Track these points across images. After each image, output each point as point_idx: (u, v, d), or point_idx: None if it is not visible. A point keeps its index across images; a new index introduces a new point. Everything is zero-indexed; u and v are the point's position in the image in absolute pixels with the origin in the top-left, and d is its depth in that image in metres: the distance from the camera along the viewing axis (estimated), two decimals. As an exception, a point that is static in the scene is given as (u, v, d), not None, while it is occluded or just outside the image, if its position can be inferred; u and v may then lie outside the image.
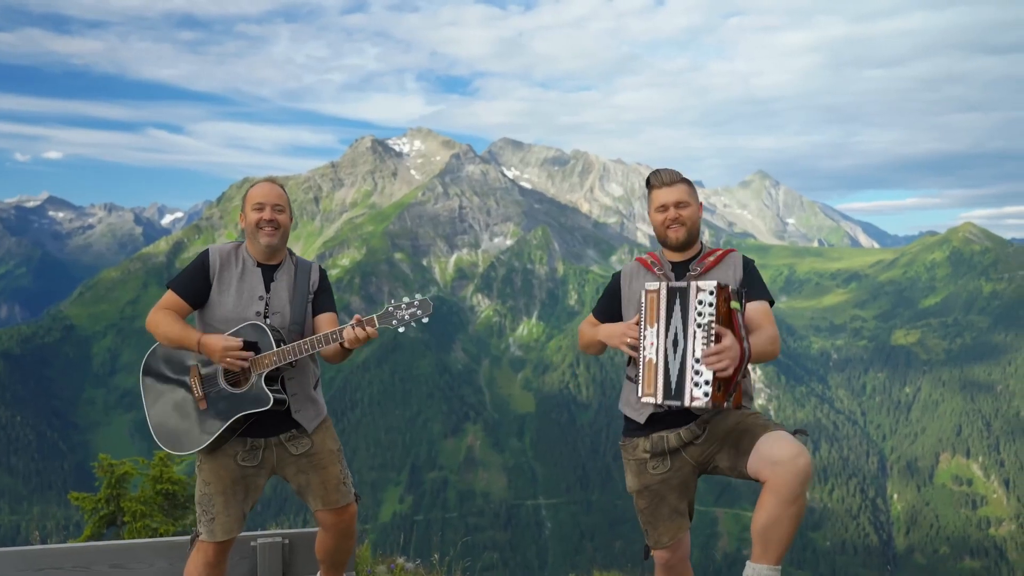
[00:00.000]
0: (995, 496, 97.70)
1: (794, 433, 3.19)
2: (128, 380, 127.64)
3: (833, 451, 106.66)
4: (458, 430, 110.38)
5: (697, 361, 3.08)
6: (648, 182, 3.58)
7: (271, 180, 3.69)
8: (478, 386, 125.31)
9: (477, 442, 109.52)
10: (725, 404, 3.14)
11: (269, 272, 3.62)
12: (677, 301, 3.17)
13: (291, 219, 3.69)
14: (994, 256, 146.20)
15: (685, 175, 3.52)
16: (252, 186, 3.66)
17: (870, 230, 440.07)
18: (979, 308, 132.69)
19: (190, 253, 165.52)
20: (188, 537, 4.01)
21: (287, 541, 4.27)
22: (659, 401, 3.21)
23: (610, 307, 3.68)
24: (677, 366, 3.16)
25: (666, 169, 3.56)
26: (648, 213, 3.60)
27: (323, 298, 3.73)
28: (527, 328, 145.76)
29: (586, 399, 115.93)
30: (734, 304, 3.11)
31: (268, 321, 3.51)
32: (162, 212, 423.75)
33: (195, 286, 3.53)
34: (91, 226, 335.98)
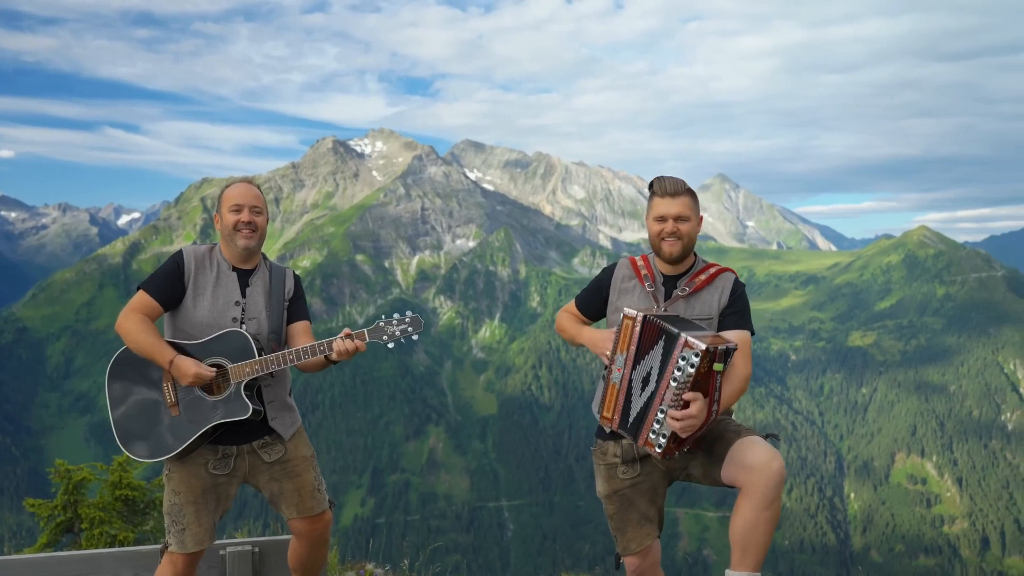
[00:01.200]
0: (948, 495, 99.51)
1: (766, 438, 3.19)
2: (83, 384, 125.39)
3: (791, 451, 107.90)
4: (420, 432, 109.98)
5: (662, 412, 3.06)
6: (651, 187, 3.45)
7: (248, 181, 3.60)
8: (440, 388, 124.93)
9: (439, 444, 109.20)
10: (675, 456, 3.18)
11: (244, 277, 3.53)
12: (661, 342, 3.10)
13: (267, 221, 3.61)
14: (947, 259, 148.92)
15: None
16: (227, 187, 3.56)
17: (828, 233, 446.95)
18: (933, 310, 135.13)
19: (147, 255, 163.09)
20: (153, 547, 3.97)
21: (257, 550, 4.16)
22: (615, 427, 3.23)
23: (594, 301, 3.65)
24: (640, 403, 3.15)
25: (671, 178, 3.43)
26: (646, 218, 3.54)
27: (298, 305, 3.66)
28: (489, 330, 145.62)
29: (548, 401, 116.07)
30: (716, 366, 3.04)
31: (244, 327, 3.43)
32: (118, 212, 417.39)
33: (169, 288, 3.43)
34: (45, 226, 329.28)
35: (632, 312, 3.20)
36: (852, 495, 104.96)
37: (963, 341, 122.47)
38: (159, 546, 3.75)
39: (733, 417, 3.47)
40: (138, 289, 3.45)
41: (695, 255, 3.52)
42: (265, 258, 3.67)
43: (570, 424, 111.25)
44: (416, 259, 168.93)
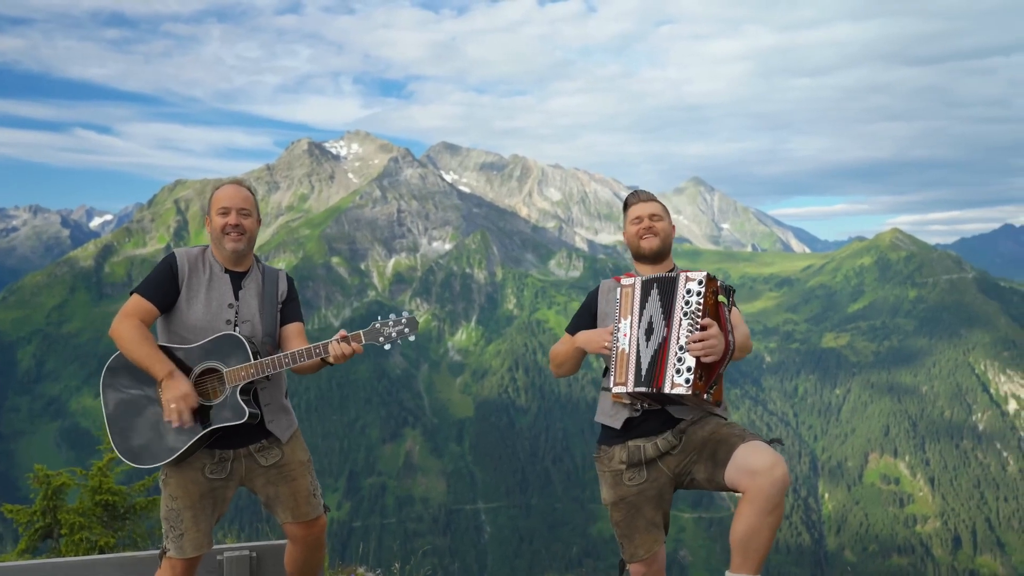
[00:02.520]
0: (921, 494, 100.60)
1: (770, 443, 3.21)
2: (54, 388, 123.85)
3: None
4: (396, 435, 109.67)
5: (681, 349, 3.10)
6: (625, 203, 3.68)
7: (237, 182, 3.57)
8: (416, 391, 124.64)
9: (416, 447, 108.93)
10: (705, 396, 3.16)
11: (237, 279, 3.50)
12: (655, 290, 3.23)
13: (259, 223, 3.57)
14: (919, 261, 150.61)
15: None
16: (217, 188, 3.52)
17: (801, 235, 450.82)
18: (905, 312, 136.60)
19: (120, 257, 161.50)
20: (151, 552, 3.93)
21: (255, 554, 4.12)
22: (630, 388, 3.22)
23: (586, 323, 3.66)
24: (650, 352, 3.19)
25: (642, 190, 3.68)
26: (623, 231, 3.67)
27: (291, 307, 3.64)
28: (466, 333, 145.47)
29: (525, 404, 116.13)
30: (721, 298, 3.16)
31: (238, 330, 3.40)
32: (90, 215, 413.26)
33: (164, 291, 3.36)
34: (15, 228, 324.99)
35: (629, 281, 3.33)
36: (826, 495, 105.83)
37: (934, 342, 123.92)
38: (156, 551, 3.71)
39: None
40: (131, 293, 3.37)
41: (674, 263, 3.63)
42: (258, 260, 3.64)
43: (547, 427, 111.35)
44: (392, 261, 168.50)
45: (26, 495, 6.98)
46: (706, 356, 3.07)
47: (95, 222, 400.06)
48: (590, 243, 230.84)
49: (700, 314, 3.09)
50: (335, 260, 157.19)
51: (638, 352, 3.23)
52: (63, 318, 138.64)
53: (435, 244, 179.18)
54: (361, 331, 3.42)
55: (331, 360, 3.35)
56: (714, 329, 3.07)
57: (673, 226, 3.62)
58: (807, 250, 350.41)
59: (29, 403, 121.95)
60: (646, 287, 3.27)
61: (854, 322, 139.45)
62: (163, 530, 3.42)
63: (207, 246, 3.56)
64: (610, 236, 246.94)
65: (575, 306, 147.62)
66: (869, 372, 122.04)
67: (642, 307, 3.26)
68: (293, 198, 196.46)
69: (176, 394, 3.20)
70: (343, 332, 3.37)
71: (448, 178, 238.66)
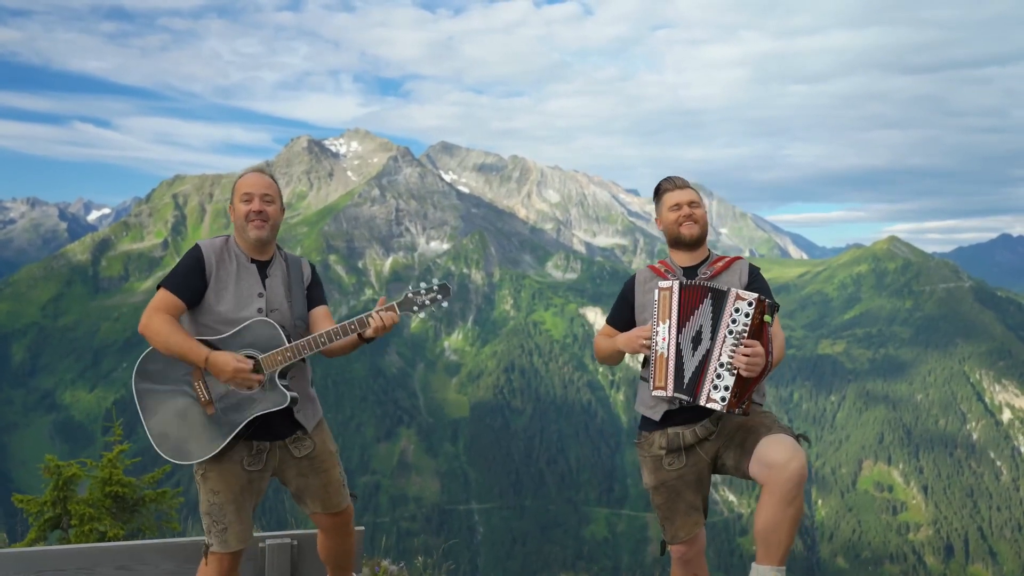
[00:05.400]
0: (914, 502, 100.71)
1: (796, 437, 3.26)
2: (48, 381, 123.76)
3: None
4: (391, 434, 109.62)
5: (721, 365, 3.18)
6: (659, 188, 3.74)
7: (260, 170, 3.57)
8: (412, 390, 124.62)
9: (410, 447, 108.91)
10: (736, 411, 3.23)
11: (262, 268, 3.49)
12: (707, 300, 3.28)
13: (282, 211, 3.57)
14: (916, 270, 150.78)
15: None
16: (241, 176, 3.53)
17: (799, 241, 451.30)
18: (901, 320, 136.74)
19: (117, 251, 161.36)
20: (191, 539, 3.96)
21: (296, 542, 4.17)
22: (670, 393, 3.30)
23: (624, 313, 3.71)
24: (695, 363, 3.26)
25: (676, 176, 3.72)
26: (659, 219, 3.72)
27: (317, 291, 3.66)
28: (462, 333, 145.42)
29: (520, 405, 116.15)
30: (767, 318, 3.21)
31: (268, 318, 3.39)
32: (88, 208, 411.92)
33: (192, 285, 3.34)
34: (12, 220, 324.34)
35: (667, 283, 3.39)
36: (819, 502, 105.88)
37: (930, 351, 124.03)
38: (199, 538, 3.73)
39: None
40: (159, 288, 3.35)
41: (708, 250, 3.70)
42: (280, 248, 3.64)
43: (541, 428, 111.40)
44: (389, 260, 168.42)
45: (20, 487, 7.03)
46: (748, 372, 3.15)
47: (93, 215, 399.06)
48: (588, 245, 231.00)
49: (745, 334, 3.16)
50: (332, 258, 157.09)
51: (680, 358, 3.30)
52: (59, 311, 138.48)
53: (433, 244, 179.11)
54: (395, 303, 3.44)
55: (370, 334, 3.37)
56: (758, 349, 3.14)
57: (706, 211, 3.66)
58: (805, 256, 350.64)
59: (23, 396, 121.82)
60: (687, 293, 3.33)
61: (850, 329, 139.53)
62: (204, 526, 3.41)
63: (229, 236, 3.55)
64: (608, 239, 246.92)
65: (572, 308, 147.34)
66: (864, 380, 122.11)
67: (684, 313, 3.32)
68: (291, 195, 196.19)
69: (228, 374, 3.21)
70: (382, 299, 3.42)
71: (447, 178, 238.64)
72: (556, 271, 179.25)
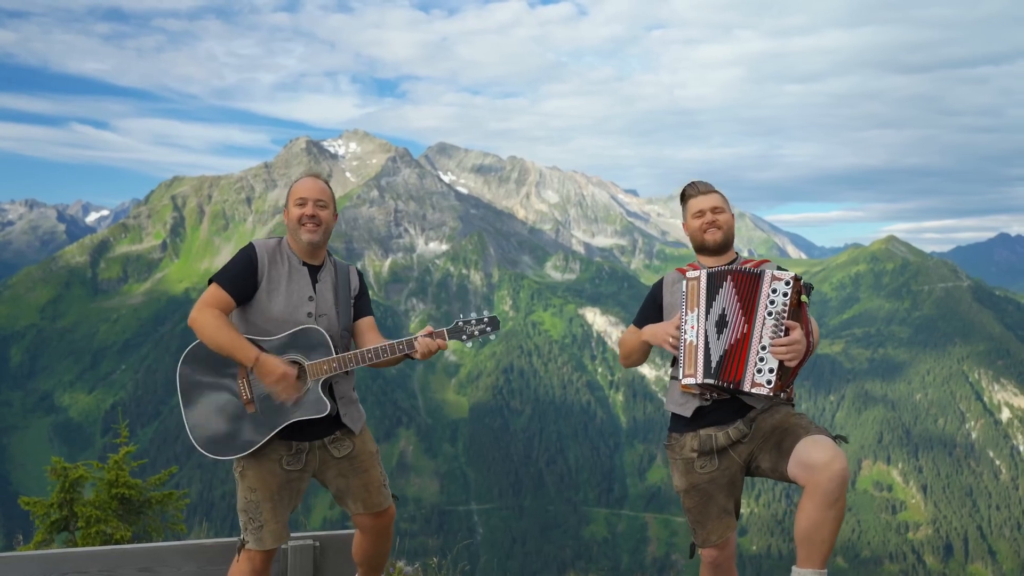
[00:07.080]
0: (913, 501, 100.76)
1: (835, 439, 3.21)
2: (47, 383, 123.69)
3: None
4: (391, 435, 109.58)
5: (764, 348, 3.16)
6: (684, 194, 3.70)
7: (315, 175, 3.61)
8: (411, 391, 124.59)
9: (410, 447, 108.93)
10: (781, 394, 3.23)
11: (313, 272, 3.54)
12: (727, 282, 3.29)
13: (335, 216, 3.62)
14: (915, 269, 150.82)
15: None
16: (296, 181, 3.57)
17: (798, 241, 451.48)
18: (900, 319, 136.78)
19: (116, 253, 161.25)
20: (218, 540, 3.98)
21: (318, 544, 4.16)
22: (700, 380, 3.28)
23: (651, 315, 3.70)
24: (722, 347, 3.25)
25: (700, 180, 3.70)
26: (684, 224, 3.71)
27: (363, 302, 3.72)
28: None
29: (519, 406, 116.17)
30: (804, 298, 3.21)
31: (317, 323, 3.43)
32: (87, 210, 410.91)
33: (243, 283, 3.37)
34: (11, 222, 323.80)
35: (695, 273, 3.39)
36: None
37: (929, 350, 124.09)
38: (222, 540, 3.79)
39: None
40: (210, 282, 3.39)
41: (735, 253, 3.67)
42: (330, 255, 3.69)
43: (540, 429, 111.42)
44: (388, 261, 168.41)
45: (19, 489, 7.07)
46: (790, 360, 3.14)
47: (91, 217, 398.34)
48: (587, 246, 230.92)
49: (785, 315, 3.15)
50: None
51: (707, 344, 3.28)
52: (57, 313, 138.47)
53: (432, 245, 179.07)
54: (445, 328, 3.51)
55: (418, 356, 3.43)
56: (797, 333, 3.15)
57: (732, 215, 3.65)
58: (803, 256, 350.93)
59: (22, 398, 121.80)
60: (713, 279, 3.33)
61: (848, 329, 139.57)
62: (241, 522, 3.43)
63: (282, 238, 3.60)
64: (607, 239, 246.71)
65: (571, 308, 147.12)
66: (863, 379, 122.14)
67: (710, 299, 3.31)
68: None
69: (274, 378, 3.23)
70: (430, 327, 3.46)
71: (446, 179, 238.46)
72: (555, 271, 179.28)
